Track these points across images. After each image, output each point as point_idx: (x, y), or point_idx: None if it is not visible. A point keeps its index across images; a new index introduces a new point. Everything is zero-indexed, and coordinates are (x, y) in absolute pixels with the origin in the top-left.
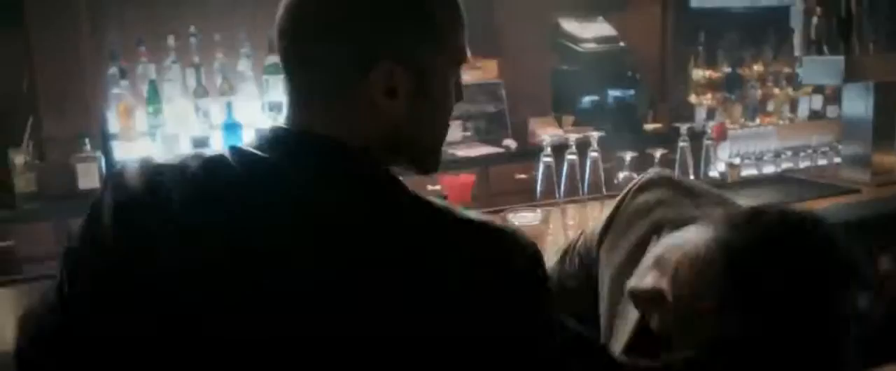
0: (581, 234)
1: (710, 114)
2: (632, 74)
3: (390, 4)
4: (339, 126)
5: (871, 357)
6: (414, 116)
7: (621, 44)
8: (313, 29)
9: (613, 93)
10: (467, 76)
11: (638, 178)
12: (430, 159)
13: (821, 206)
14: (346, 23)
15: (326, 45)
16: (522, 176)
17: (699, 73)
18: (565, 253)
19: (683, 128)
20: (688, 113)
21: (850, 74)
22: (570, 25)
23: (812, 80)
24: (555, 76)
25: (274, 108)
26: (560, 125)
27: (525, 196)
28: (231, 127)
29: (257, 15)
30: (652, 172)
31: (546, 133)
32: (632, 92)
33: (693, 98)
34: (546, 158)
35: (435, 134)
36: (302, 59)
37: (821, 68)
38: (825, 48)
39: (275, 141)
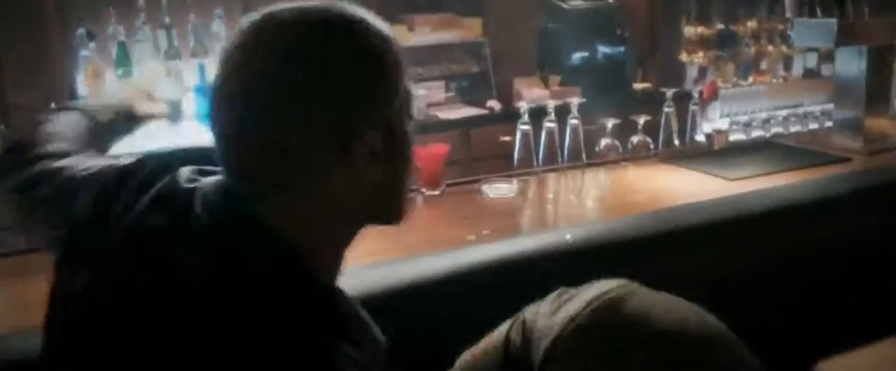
0: (518, 321)
1: (702, 72)
2: (620, 32)
3: (350, 67)
4: (310, 215)
5: None
6: (389, 174)
7: (610, 0)
8: (275, 113)
9: (603, 50)
10: (449, 35)
11: (590, 303)
12: (401, 210)
13: (810, 176)
14: (318, 102)
15: (297, 130)
16: (506, 138)
17: (691, 30)
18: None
19: (669, 92)
20: (678, 71)
21: (843, 37)
22: None
23: (803, 42)
24: (541, 35)
25: None
26: (546, 86)
27: (508, 160)
28: (204, 89)
29: None
30: (605, 299)
31: (531, 94)
32: (621, 49)
33: (684, 56)
34: (523, 126)
35: (406, 183)
36: (259, 144)
37: (813, 31)
38: (818, 10)
39: (231, 226)
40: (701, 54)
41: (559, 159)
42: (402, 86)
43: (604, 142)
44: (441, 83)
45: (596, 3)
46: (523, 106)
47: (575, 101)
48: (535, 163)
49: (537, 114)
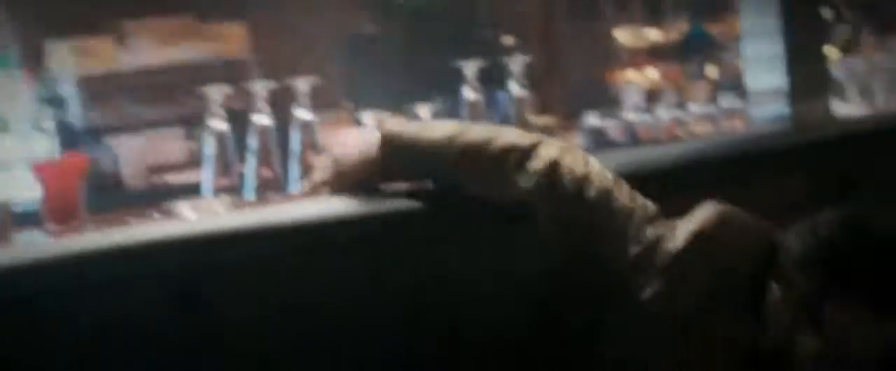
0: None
1: (651, 98)
2: (491, 37)
3: None
4: None
5: None
6: None
7: None
8: None
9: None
10: (191, 51)
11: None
12: None
13: None
14: None
15: None
16: None
17: (628, 36)
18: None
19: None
20: (605, 98)
21: None
22: None
23: None
24: (351, 47)
25: None
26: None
27: None
28: None
29: None
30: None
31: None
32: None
33: (620, 74)
34: None
35: None
36: None
37: None
38: None
39: None
40: (648, 71)
41: None
42: None
43: None
44: (178, 132)
45: None
46: None
47: None
48: None
49: None
